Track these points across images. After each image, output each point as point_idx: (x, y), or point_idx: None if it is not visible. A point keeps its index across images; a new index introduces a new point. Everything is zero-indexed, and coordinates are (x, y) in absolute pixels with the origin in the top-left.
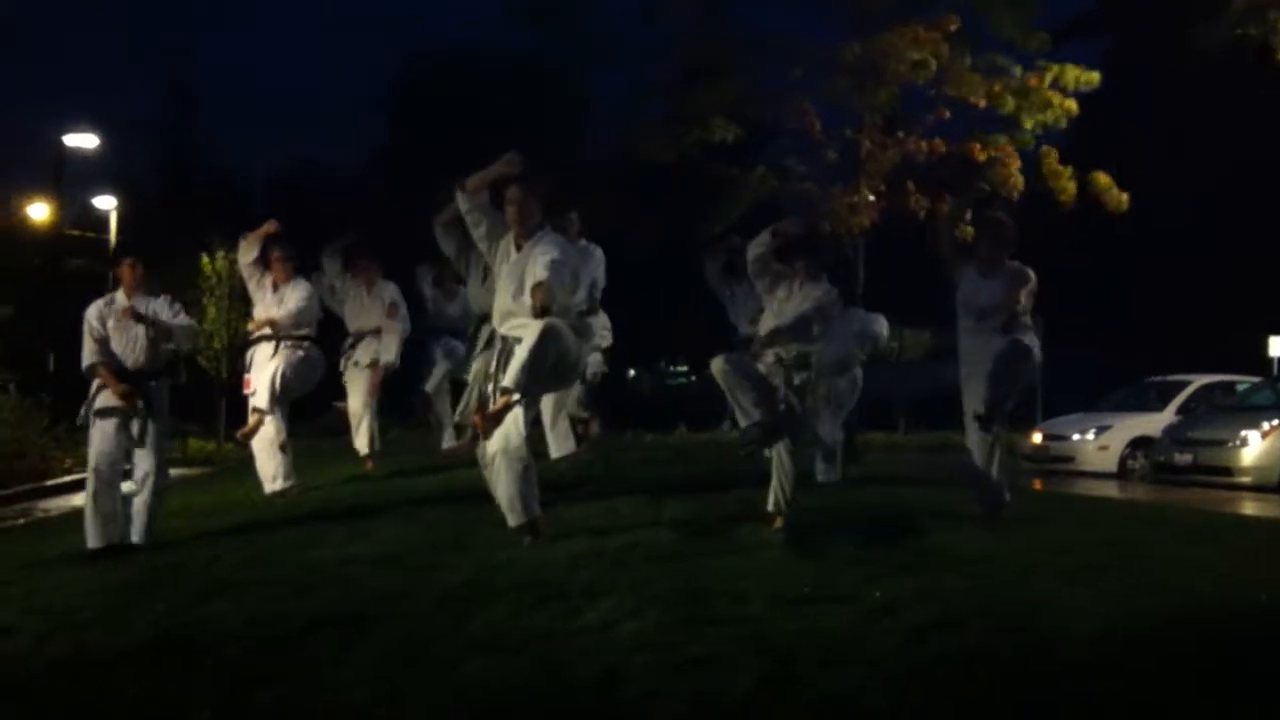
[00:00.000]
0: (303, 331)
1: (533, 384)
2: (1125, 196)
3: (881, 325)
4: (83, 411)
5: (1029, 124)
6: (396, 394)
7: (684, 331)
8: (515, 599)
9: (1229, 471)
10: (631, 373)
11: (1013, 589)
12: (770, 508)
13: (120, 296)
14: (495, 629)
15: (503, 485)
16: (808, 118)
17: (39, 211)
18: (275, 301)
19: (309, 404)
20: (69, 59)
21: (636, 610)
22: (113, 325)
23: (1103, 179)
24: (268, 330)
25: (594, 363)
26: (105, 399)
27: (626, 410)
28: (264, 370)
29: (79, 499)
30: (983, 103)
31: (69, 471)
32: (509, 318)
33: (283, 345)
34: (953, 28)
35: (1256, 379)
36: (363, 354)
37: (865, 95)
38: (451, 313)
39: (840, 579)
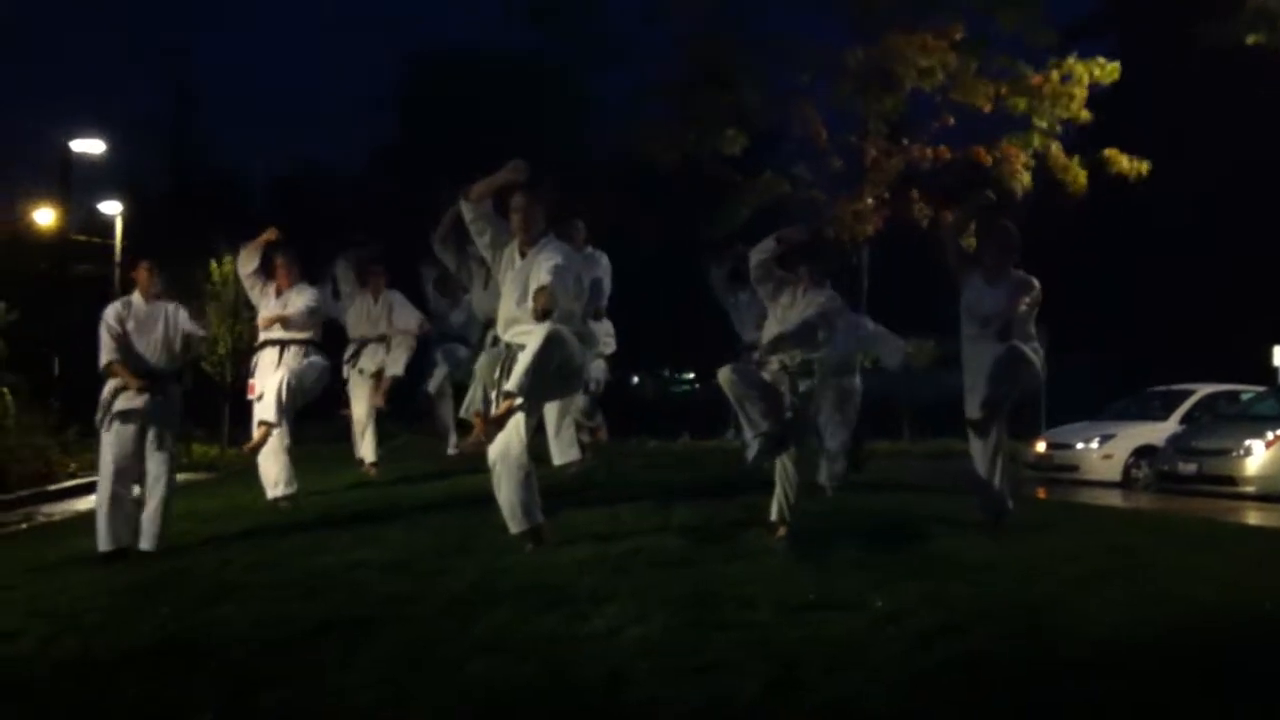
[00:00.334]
0: (308, 335)
1: (536, 388)
2: (1144, 164)
3: (895, 357)
4: (100, 414)
5: (1043, 122)
6: (403, 401)
7: (688, 337)
8: (520, 604)
9: (1233, 481)
10: (635, 379)
11: (1016, 596)
12: (774, 517)
13: (136, 298)
14: (500, 633)
15: (503, 493)
16: (813, 124)
17: (45, 216)
18: (281, 306)
19: (314, 410)
20: (69, 59)
21: (641, 615)
22: (134, 326)
23: (1115, 155)
24: (276, 330)
25: (597, 369)
26: (124, 401)
27: (630, 416)
28: (269, 378)
29: (81, 503)
30: (989, 107)
31: (72, 476)
32: (513, 324)
33: (288, 352)
34: (957, 36)
35: (1261, 388)
36: (368, 362)
37: (870, 101)
38: (455, 319)
39: (845, 585)
